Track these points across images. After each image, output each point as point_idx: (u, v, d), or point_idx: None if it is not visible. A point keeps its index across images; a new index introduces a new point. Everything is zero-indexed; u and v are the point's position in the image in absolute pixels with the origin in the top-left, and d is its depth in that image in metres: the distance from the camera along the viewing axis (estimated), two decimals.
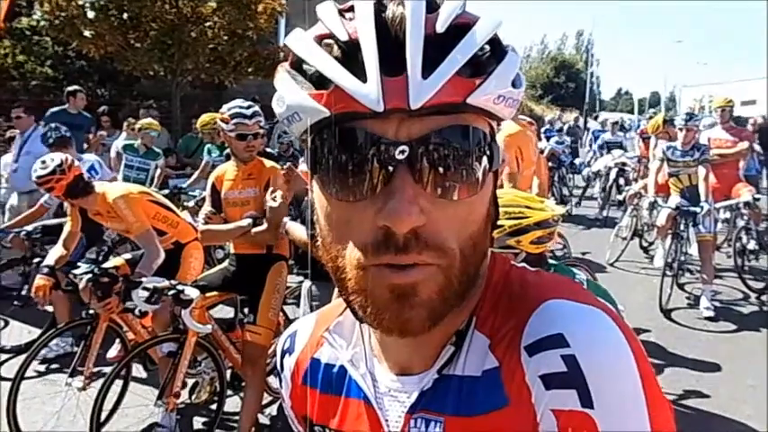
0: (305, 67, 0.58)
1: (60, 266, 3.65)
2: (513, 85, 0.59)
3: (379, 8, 0.56)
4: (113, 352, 4.12)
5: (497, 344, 0.62)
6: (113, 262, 3.79)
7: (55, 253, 3.68)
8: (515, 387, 0.58)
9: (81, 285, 3.26)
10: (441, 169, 0.55)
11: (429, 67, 0.53)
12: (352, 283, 0.58)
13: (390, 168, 0.54)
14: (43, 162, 3.52)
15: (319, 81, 0.57)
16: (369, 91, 0.53)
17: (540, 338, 0.58)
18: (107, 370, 3.19)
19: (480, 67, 0.57)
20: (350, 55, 0.55)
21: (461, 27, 0.57)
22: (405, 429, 0.66)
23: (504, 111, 0.59)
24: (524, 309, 0.61)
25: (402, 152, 0.54)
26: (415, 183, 0.54)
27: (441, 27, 0.56)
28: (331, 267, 0.61)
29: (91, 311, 3.48)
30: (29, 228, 4.84)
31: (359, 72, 0.54)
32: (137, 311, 3.57)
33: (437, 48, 0.54)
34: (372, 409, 0.69)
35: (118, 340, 3.88)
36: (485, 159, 0.58)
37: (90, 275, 3.25)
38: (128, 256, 3.90)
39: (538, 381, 0.56)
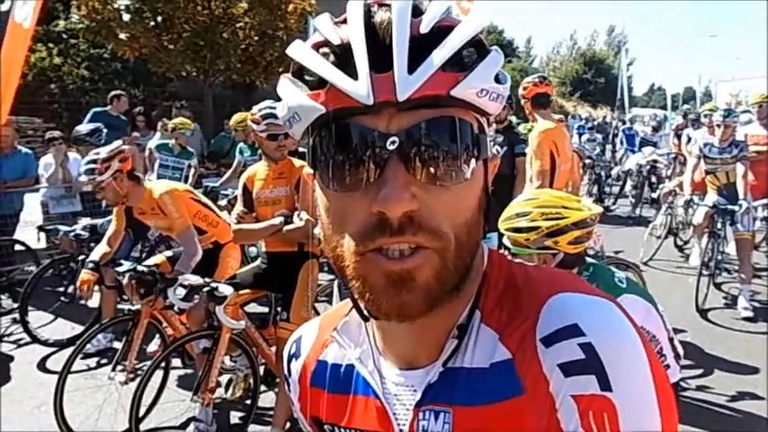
0: (305, 75, 0.63)
1: (104, 263, 3.76)
2: (497, 81, 0.63)
3: (369, 15, 0.61)
4: (153, 347, 4.22)
5: (508, 337, 0.64)
6: (155, 260, 3.89)
7: (100, 250, 3.80)
8: (531, 377, 0.61)
9: (124, 282, 3.35)
10: (430, 158, 0.58)
11: (414, 64, 0.58)
12: (350, 270, 0.61)
13: (383, 159, 0.58)
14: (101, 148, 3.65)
15: (318, 83, 0.61)
16: (360, 87, 0.57)
17: (555, 330, 0.61)
18: (147, 365, 3.27)
19: (464, 64, 0.61)
20: (343, 58, 0.60)
21: (445, 29, 0.61)
22: (413, 423, 0.68)
23: (488, 104, 0.62)
24: (533, 303, 0.64)
25: (393, 143, 0.57)
26: (406, 171, 0.58)
27: (425, 28, 0.60)
28: (332, 257, 0.64)
29: (133, 308, 3.56)
30: (78, 228, 5.00)
31: (351, 72, 0.58)
32: (176, 308, 3.65)
33: (422, 47, 0.59)
34: (381, 404, 0.71)
35: (157, 336, 3.97)
36: (472, 149, 0.61)
37: (133, 272, 3.34)
38: (169, 253, 3.99)
39: (556, 369, 0.59)
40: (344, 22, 0.62)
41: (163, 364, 3.49)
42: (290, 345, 0.85)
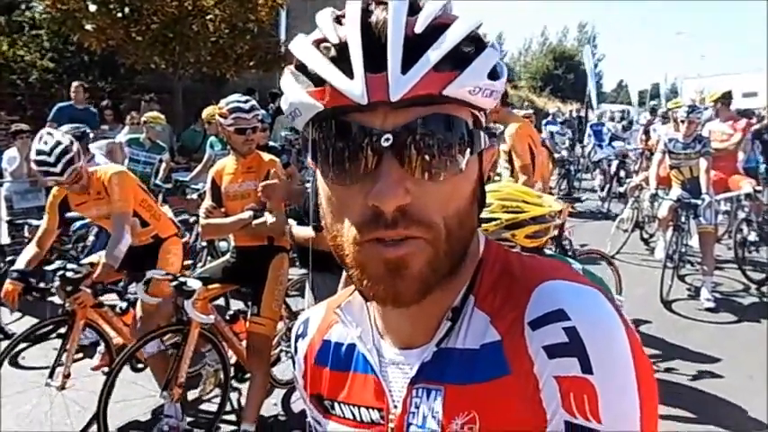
0: (307, 69, 0.65)
1: (33, 267, 3.45)
2: (492, 77, 0.64)
3: (366, 13, 0.62)
4: (96, 361, 3.98)
5: (499, 320, 0.68)
6: (89, 259, 3.71)
7: (27, 254, 3.51)
8: (518, 358, 0.64)
9: (56, 283, 3.23)
10: (424, 153, 0.61)
11: (408, 64, 0.59)
12: (350, 259, 0.65)
13: (378, 155, 0.61)
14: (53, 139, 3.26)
15: (318, 80, 0.63)
16: (355, 87, 0.60)
17: (542, 314, 0.64)
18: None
19: (459, 61, 0.62)
20: (341, 56, 0.62)
21: (440, 27, 0.62)
22: (407, 399, 0.73)
23: (481, 101, 0.64)
24: (525, 289, 0.68)
25: (387, 140, 0.60)
26: (400, 167, 0.61)
27: (419, 28, 0.61)
28: (333, 246, 0.68)
29: (68, 308, 3.39)
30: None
31: (348, 70, 0.60)
32: (117, 308, 3.56)
33: (417, 46, 0.60)
34: (378, 381, 0.75)
35: (99, 349, 3.87)
36: (466, 144, 0.64)
37: (61, 272, 3.22)
38: (103, 252, 3.73)
39: (541, 351, 0.63)
40: (345, 16, 0.64)
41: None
42: (299, 325, 0.89)
